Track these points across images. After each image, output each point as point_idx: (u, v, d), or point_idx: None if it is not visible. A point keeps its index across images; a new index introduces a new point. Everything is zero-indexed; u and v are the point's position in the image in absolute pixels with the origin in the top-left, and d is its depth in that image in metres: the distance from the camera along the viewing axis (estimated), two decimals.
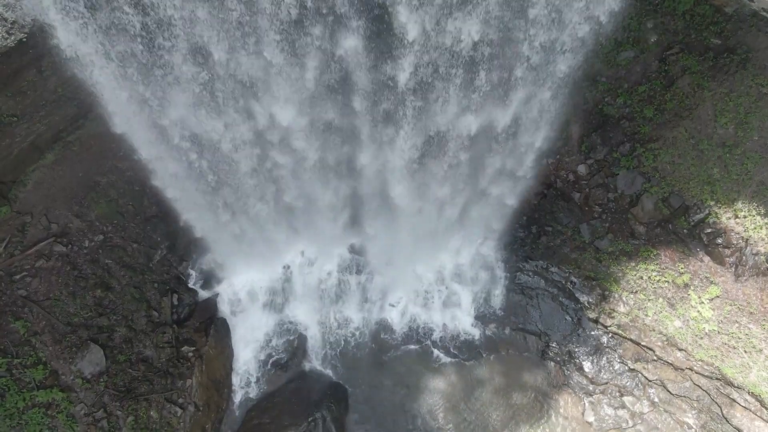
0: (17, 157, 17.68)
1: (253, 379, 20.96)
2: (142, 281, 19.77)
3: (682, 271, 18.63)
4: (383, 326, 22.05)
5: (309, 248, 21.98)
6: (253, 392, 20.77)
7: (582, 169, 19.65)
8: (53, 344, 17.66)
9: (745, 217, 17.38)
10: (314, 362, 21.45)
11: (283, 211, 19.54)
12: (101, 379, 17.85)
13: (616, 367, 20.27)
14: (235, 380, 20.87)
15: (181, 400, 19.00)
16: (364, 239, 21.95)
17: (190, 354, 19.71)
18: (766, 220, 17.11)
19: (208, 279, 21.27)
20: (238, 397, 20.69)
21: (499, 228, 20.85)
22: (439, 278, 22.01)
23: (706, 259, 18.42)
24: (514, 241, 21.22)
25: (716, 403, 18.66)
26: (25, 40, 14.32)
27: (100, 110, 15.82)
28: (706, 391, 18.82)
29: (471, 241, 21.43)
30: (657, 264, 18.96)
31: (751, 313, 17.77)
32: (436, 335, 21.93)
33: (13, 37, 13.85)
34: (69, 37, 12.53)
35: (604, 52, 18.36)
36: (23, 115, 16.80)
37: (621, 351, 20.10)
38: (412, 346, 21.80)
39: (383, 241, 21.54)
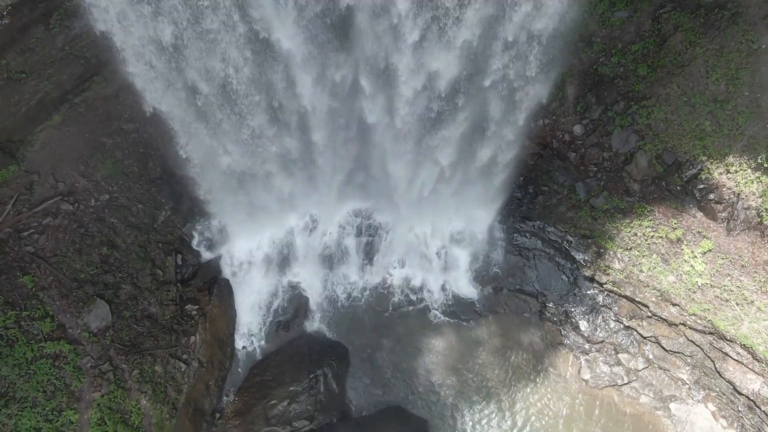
0: (25, 115, 18.09)
1: (256, 338, 21.40)
2: (146, 241, 20.18)
3: (675, 226, 19.01)
4: (383, 287, 22.47)
5: (311, 211, 22.39)
6: (256, 351, 21.19)
7: (578, 129, 20.04)
8: (60, 299, 18.04)
9: (736, 171, 17.74)
10: (315, 322, 21.87)
11: (286, 172, 19.94)
12: (107, 334, 18.25)
13: (612, 325, 20.66)
14: (238, 339, 21.28)
15: (185, 356, 19.40)
16: (365, 204, 22.38)
17: (194, 312, 20.11)
18: (757, 174, 17.47)
19: (212, 241, 21.69)
20: (241, 356, 21.09)
21: (496, 188, 21.25)
22: (438, 240, 22.41)
23: (699, 214, 18.79)
24: (511, 202, 21.63)
25: (709, 357, 19.02)
26: None
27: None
28: (699, 346, 19.19)
29: (469, 202, 21.79)
30: (651, 220, 19.34)
31: (742, 266, 18.14)
32: (434, 296, 22.34)
33: None
34: None
35: (598, 12, 18.78)
36: (31, 72, 17.24)
37: (616, 309, 20.48)
38: (411, 307, 22.22)
39: (384, 206, 21.98)
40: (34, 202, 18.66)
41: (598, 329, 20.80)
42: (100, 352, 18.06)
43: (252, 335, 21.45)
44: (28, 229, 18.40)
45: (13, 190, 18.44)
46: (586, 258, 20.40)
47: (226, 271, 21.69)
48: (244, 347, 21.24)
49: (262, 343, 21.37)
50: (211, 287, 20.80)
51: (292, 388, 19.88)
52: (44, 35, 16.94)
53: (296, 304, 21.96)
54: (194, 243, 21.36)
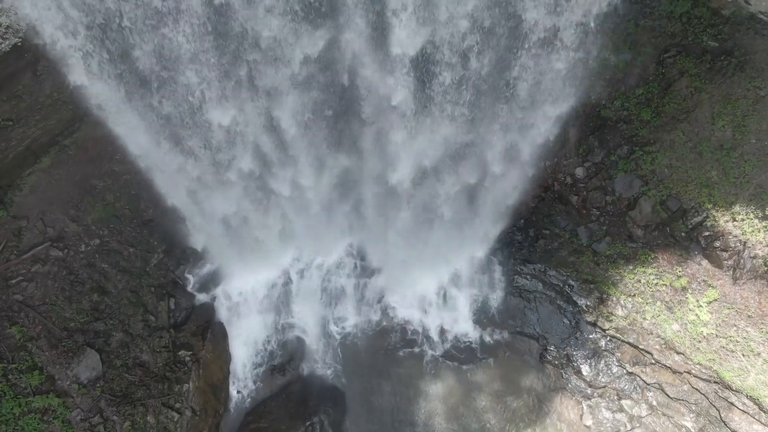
0: (13, 161, 17.63)
1: (251, 383, 20.96)
2: (138, 285, 19.73)
3: (679, 274, 18.59)
4: (381, 330, 22.02)
5: (306, 252, 21.98)
6: (251, 396, 20.75)
7: (580, 172, 19.62)
8: (49, 349, 17.59)
9: (743, 220, 17.32)
10: (312, 366, 21.44)
11: (280, 212, 19.57)
12: (98, 384, 17.80)
13: (615, 370, 20.22)
14: (233, 384, 20.83)
15: (178, 405, 18.94)
16: (362, 243, 21.97)
17: (188, 358, 19.65)
18: (764, 223, 17.05)
19: (205, 283, 21.24)
20: (235, 401, 20.66)
21: (496, 230, 20.84)
22: (437, 282, 21.99)
23: (704, 262, 18.37)
24: (511, 244, 21.21)
25: (714, 406, 18.60)
26: (20, 44, 14.32)
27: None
28: (704, 395, 18.77)
29: (469, 244, 21.38)
30: (655, 267, 18.91)
31: (749, 316, 17.72)
32: (433, 338, 21.87)
33: (7, 42, 13.84)
34: None
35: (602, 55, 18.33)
36: (19, 119, 16.77)
37: (619, 354, 20.05)
38: (410, 349, 21.76)
39: (381, 245, 21.54)
40: (22, 249, 18.20)
41: (601, 374, 20.37)
42: (91, 404, 17.61)
43: (247, 379, 21.02)
44: (17, 276, 17.95)
45: (0, 236, 17.99)
46: (588, 303, 19.97)
47: (220, 313, 21.25)
48: (239, 392, 20.80)
49: (258, 387, 20.93)
50: (204, 331, 20.32)
51: None
52: (32, 82, 16.45)
53: (292, 346, 21.53)
54: (187, 286, 20.91)
